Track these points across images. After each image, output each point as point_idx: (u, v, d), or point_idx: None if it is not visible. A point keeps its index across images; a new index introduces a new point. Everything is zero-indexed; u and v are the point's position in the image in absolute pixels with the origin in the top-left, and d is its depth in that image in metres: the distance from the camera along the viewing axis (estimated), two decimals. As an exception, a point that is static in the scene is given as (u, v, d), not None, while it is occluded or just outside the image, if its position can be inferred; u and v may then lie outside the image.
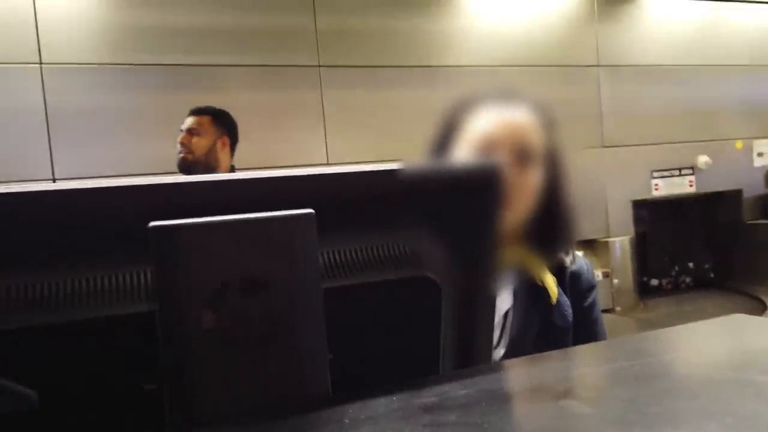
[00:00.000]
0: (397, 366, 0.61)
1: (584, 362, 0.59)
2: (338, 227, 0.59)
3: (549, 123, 1.02)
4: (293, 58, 3.54)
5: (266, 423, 0.45)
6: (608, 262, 4.00)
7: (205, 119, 2.45)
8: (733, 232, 4.23)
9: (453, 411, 0.45)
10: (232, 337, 0.47)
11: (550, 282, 1.00)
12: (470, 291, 0.64)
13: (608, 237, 4.04)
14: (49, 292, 0.46)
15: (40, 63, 3.04)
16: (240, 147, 2.92)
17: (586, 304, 1.08)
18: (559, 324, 1.01)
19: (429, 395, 0.49)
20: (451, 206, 0.63)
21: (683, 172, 4.10)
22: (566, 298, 1.03)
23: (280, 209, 0.51)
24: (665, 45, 4.23)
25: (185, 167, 2.42)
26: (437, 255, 0.62)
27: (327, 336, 0.55)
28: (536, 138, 0.99)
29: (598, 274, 3.95)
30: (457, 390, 0.50)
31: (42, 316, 0.46)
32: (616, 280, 3.98)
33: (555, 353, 0.60)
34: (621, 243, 4.02)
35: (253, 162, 3.09)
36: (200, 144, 2.42)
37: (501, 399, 0.47)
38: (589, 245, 4.00)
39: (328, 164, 3.64)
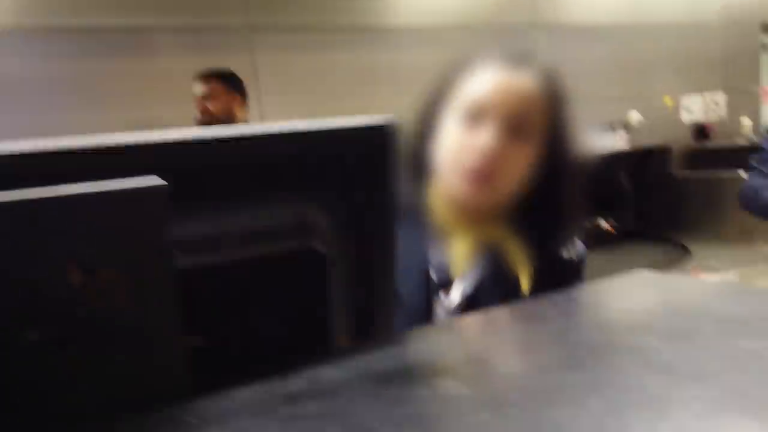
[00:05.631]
0: (284, 346, 0.56)
1: (476, 333, 0.55)
2: (212, 197, 0.53)
3: (555, 94, 0.89)
4: (222, 19, 3.37)
5: (96, 427, 0.39)
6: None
7: (217, 86, 2.51)
8: (661, 186, 4.36)
9: (317, 399, 0.40)
10: (65, 334, 0.40)
11: (524, 273, 0.88)
12: (363, 263, 0.59)
13: (545, 194, 4.08)
14: None
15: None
16: (171, 114, 2.76)
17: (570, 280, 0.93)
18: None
19: (298, 380, 0.44)
20: (339, 171, 0.57)
21: (616, 128, 4.17)
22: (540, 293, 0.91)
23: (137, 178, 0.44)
24: (599, 3, 4.24)
25: (204, 125, 2.47)
26: (324, 225, 0.56)
27: (201, 320, 0.50)
28: (536, 109, 0.87)
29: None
30: (330, 373, 0.45)
31: None
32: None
33: (446, 323, 0.56)
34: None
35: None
36: (217, 107, 2.48)
37: (374, 382, 0.42)
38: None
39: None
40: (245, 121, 2.56)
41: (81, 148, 0.45)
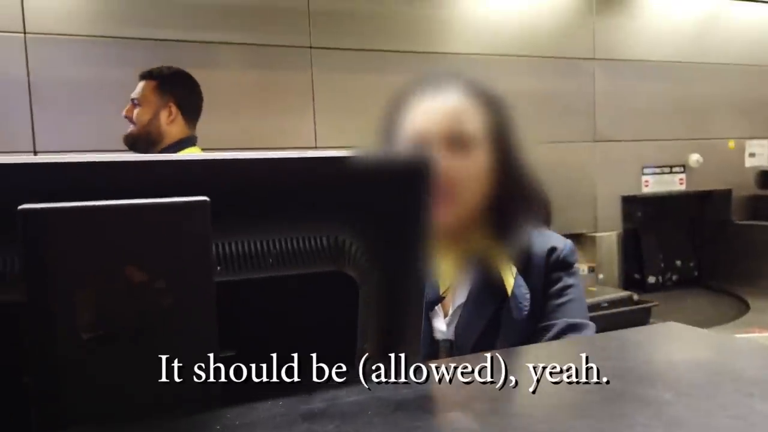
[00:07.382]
0: (310, 365, 0.58)
1: (493, 370, 0.57)
2: (250, 217, 0.57)
3: (488, 102, 0.97)
4: (284, 38, 3.49)
5: (128, 426, 0.42)
6: (594, 256, 3.97)
7: (149, 86, 2.05)
8: (721, 232, 4.20)
9: (334, 419, 0.42)
10: (109, 333, 0.44)
11: (507, 273, 0.94)
12: (392, 290, 0.61)
13: (596, 232, 4.01)
14: None
15: (24, 32, 2.98)
16: (226, 126, 2.86)
17: (558, 277, 0.97)
18: (513, 316, 0.94)
19: (318, 400, 0.46)
20: (375, 199, 0.60)
21: (674, 169, 4.06)
22: (524, 290, 0.94)
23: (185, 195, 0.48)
24: (662, 40, 4.17)
25: (129, 143, 2.07)
26: (356, 250, 0.59)
27: (232, 333, 0.53)
28: (471, 121, 0.94)
29: (584, 268, 3.93)
30: (350, 395, 0.47)
31: None
32: (601, 275, 3.96)
33: (469, 357, 0.58)
34: (608, 238, 3.99)
35: (238, 142, 3.05)
36: (140, 115, 2.02)
37: (389, 408, 0.44)
38: (576, 239, 3.97)
39: (316, 148, 3.59)
40: (176, 137, 2.02)
41: (136, 163, 0.50)
